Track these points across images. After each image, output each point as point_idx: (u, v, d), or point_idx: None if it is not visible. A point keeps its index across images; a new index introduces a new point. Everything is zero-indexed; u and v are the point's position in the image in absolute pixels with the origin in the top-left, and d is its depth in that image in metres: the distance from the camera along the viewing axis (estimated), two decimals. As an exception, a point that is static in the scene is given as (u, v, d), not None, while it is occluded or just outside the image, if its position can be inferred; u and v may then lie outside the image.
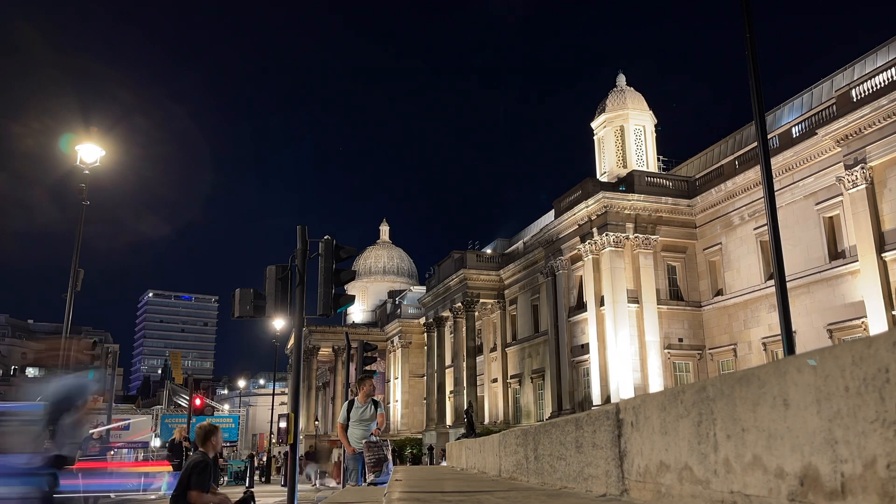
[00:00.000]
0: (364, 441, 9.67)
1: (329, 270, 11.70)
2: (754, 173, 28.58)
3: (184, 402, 54.24)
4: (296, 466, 11.49)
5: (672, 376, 31.82)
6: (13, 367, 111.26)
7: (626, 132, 36.60)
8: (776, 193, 10.82)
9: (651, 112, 37.35)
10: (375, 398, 10.43)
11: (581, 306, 35.00)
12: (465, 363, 46.71)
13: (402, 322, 62.60)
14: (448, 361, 51.44)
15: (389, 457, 9.53)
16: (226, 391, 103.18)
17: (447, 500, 3.14)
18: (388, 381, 65.66)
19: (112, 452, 29.31)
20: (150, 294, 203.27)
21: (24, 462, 5.72)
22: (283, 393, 61.78)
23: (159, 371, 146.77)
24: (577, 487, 2.95)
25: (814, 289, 26.45)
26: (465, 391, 45.76)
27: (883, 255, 23.62)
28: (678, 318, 32.61)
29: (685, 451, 1.88)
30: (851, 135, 24.62)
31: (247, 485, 32.02)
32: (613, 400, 28.64)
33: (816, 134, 26.10)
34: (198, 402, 32.01)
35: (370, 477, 9.27)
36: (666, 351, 31.97)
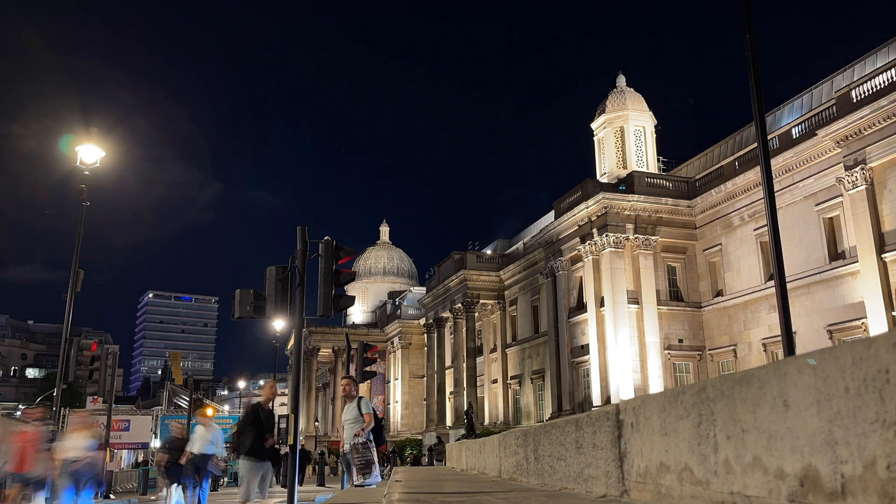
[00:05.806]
0: (350, 443, 9.48)
1: (329, 271, 11.67)
2: (754, 174, 28.57)
3: (184, 403, 54.17)
4: (296, 467, 11.49)
5: (672, 377, 31.81)
6: (13, 367, 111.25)
7: (626, 133, 36.60)
8: (776, 194, 10.82)
9: (651, 113, 37.34)
10: (362, 397, 10.25)
11: (581, 307, 34.99)
12: (465, 364, 46.70)
13: (402, 323, 62.63)
14: (448, 362, 51.44)
15: (376, 459, 9.35)
16: (226, 392, 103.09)
17: (447, 501, 3.14)
18: (389, 381, 65.68)
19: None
20: (150, 295, 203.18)
21: None
22: (283, 394, 61.63)
23: (159, 372, 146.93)
24: (577, 488, 2.95)
25: (814, 289, 26.43)
26: (465, 392, 45.75)
27: (883, 255, 23.61)
28: (678, 318, 32.60)
29: (685, 452, 1.88)
30: (851, 136, 24.61)
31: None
32: (613, 401, 28.64)
33: (816, 135, 26.09)
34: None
35: (359, 479, 9.13)
36: (666, 352, 31.97)
